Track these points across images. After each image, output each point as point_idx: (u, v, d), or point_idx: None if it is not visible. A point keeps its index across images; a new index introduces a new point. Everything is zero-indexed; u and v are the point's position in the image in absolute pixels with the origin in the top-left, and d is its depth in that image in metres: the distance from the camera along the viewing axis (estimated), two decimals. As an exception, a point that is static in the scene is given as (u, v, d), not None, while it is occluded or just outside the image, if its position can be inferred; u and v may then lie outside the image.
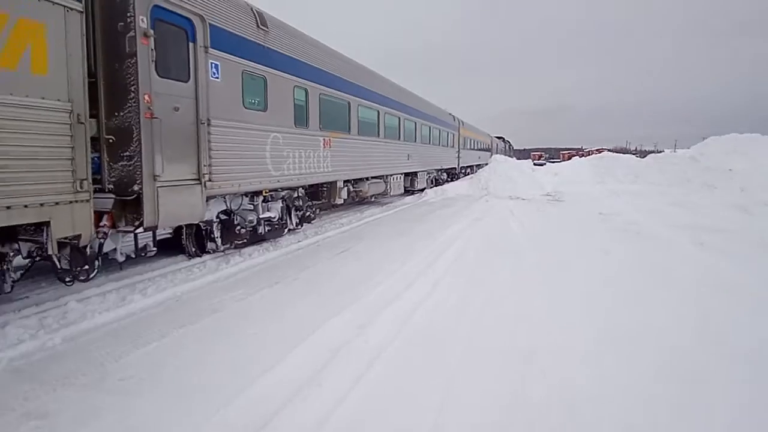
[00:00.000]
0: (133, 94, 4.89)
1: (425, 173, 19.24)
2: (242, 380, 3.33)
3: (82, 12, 4.33)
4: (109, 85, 4.94)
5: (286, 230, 8.65)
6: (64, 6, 4.14)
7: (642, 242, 8.70)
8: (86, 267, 4.87)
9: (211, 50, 6.02)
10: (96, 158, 4.98)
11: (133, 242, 5.71)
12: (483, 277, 6.17)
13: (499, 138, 51.11)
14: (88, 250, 4.87)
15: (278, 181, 7.83)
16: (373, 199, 15.43)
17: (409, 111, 15.84)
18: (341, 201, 10.87)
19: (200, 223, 6.61)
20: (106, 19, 4.87)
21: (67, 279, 4.85)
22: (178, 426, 2.82)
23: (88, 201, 4.46)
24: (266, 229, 7.89)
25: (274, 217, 8.00)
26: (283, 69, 7.86)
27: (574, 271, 6.50)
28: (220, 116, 6.21)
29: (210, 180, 6.02)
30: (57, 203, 4.15)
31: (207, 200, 6.15)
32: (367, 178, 12.52)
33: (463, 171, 27.36)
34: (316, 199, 10.25)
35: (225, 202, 7.05)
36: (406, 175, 16.62)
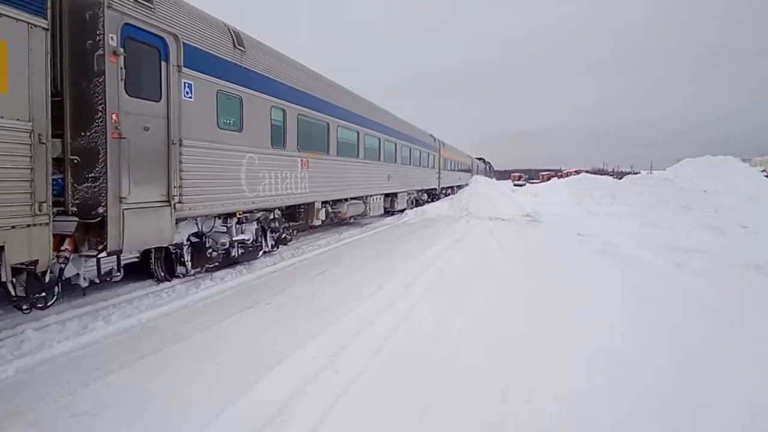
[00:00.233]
0: (100, 114, 4.74)
1: (405, 194, 19.27)
2: (203, 416, 3.14)
3: (47, 29, 4.21)
4: (75, 105, 4.80)
5: (261, 252, 8.45)
6: (28, 23, 4.02)
7: (620, 264, 8.79)
8: (43, 294, 4.63)
9: (184, 70, 5.93)
10: (59, 179, 4.80)
11: (95, 267, 5.47)
12: (461, 301, 6.08)
13: (479, 159, 51.87)
14: (47, 275, 4.63)
15: (253, 203, 7.67)
16: (352, 220, 15.32)
17: (390, 132, 15.92)
18: (319, 222, 10.73)
19: (170, 247, 6.39)
20: (75, 37, 4.76)
21: (24, 306, 4.60)
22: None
23: (47, 224, 4.25)
24: (240, 251, 7.69)
25: (249, 240, 7.81)
26: (261, 89, 7.80)
27: (552, 294, 6.49)
28: (192, 136, 6.08)
29: (180, 202, 5.84)
30: (13, 227, 3.94)
31: (177, 222, 5.96)
32: (346, 199, 12.43)
33: (443, 191, 27.54)
34: (293, 221, 10.10)
35: (197, 224, 6.86)
36: (386, 195, 16.60)
